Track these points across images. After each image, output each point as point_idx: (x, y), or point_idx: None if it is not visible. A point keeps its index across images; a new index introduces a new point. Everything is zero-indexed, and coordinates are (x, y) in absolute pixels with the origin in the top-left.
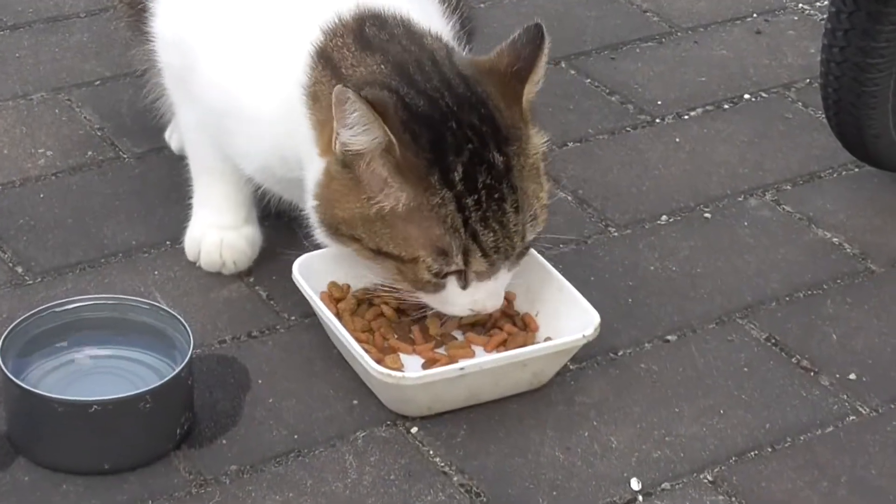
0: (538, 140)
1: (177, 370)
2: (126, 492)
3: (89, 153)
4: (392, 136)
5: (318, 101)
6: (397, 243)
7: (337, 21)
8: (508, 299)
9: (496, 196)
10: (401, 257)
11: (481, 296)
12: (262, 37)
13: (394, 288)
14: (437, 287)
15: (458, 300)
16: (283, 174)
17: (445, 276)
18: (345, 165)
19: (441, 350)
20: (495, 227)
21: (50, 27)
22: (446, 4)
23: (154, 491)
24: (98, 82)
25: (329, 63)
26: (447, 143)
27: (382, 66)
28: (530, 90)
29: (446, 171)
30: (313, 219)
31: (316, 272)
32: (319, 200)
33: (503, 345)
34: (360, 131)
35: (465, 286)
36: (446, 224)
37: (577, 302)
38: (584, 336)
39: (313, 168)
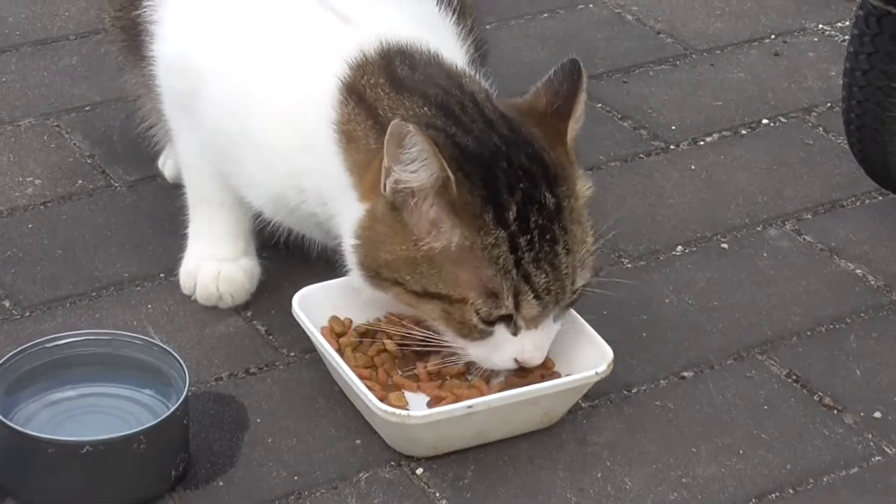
0: (584, 183)
1: (172, 409)
2: None
3: (79, 182)
4: (450, 172)
5: (354, 141)
6: (445, 283)
7: (362, 56)
8: None
9: (548, 237)
10: (449, 297)
11: (528, 346)
12: (279, 63)
13: (437, 339)
14: (484, 334)
15: (505, 348)
16: (297, 205)
17: (494, 322)
18: (393, 208)
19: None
20: (547, 269)
21: (38, 50)
22: (461, 27)
23: None
24: (88, 108)
25: (362, 102)
26: (500, 181)
27: (425, 108)
28: (573, 128)
29: (501, 210)
30: (351, 260)
31: (316, 306)
32: (361, 242)
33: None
34: (419, 167)
35: (515, 332)
36: (498, 265)
37: (590, 337)
38: (596, 373)
39: (351, 209)
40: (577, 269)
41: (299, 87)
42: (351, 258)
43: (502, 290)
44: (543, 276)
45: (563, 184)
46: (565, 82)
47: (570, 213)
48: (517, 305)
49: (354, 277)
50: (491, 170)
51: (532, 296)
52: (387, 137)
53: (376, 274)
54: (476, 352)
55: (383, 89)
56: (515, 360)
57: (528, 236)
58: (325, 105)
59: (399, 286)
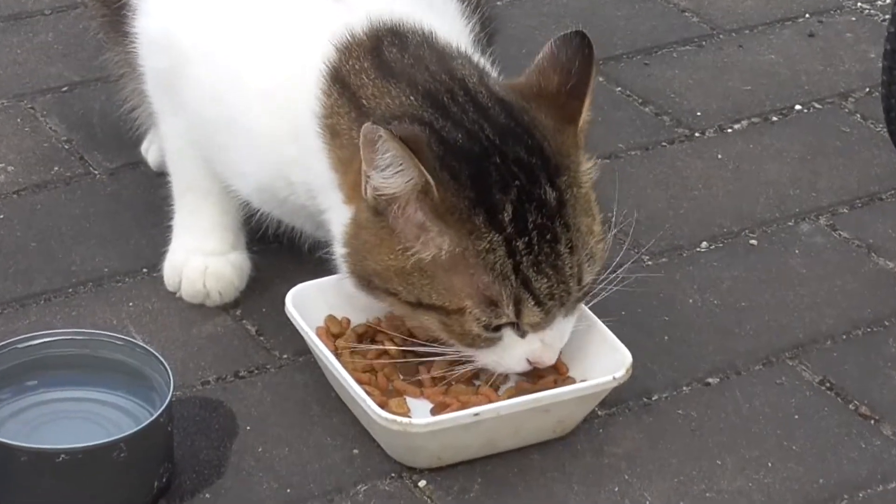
0: (588, 167)
1: (155, 415)
2: None
3: (55, 168)
4: (429, 176)
5: (338, 136)
6: (440, 293)
7: (349, 37)
8: None
9: (548, 237)
10: (445, 308)
11: (538, 346)
12: (266, 42)
13: (445, 346)
14: (489, 342)
15: (514, 351)
16: (286, 197)
17: (498, 328)
18: (377, 213)
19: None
20: (549, 273)
21: (11, 26)
22: (466, 4)
23: None
24: (65, 88)
25: (346, 90)
26: (492, 179)
27: (411, 98)
28: (587, 108)
29: (493, 212)
30: (342, 270)
31: (312, 305)
32: (349, 249)
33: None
34: (394, 173)
35: (523, 335)
36: (494, 271)
37: (607, 340)
38: (614, 378)
39: (338, 212)
40: (583, 265)
41: (286, 68)
42: (342, 267)
43: (501, 298)
44: (545, 280)
45: (566, 173)
46: (576, 58)
47: (574, 204)
48: (518, 313)
49: (349, 285)
50: (482, 167)
51: (533, 302)
52: (360, 140)
53: (368, 283)
54: (486, 358)
55: (368, 75)
56: (528, 361)
57: (527, 238)
58: (310, 92)
59: (393, 296)
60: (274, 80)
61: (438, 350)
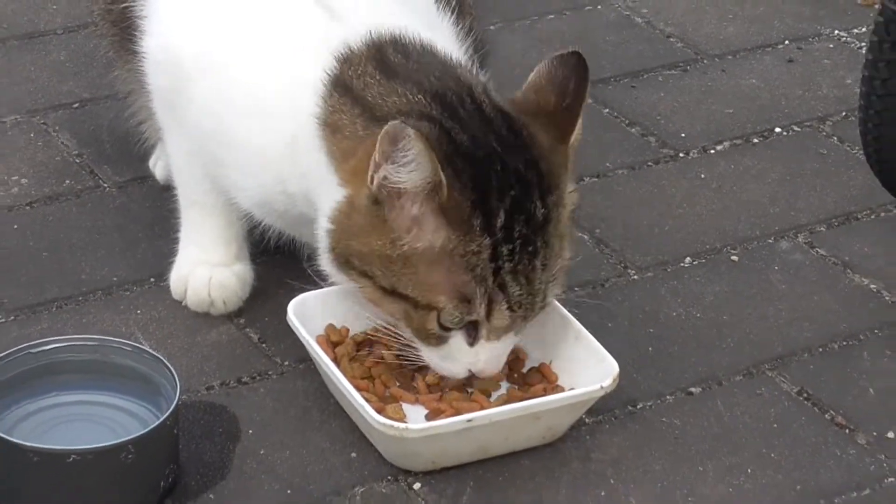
0: (571, 189)
1: (162, 418)
2: None
3: (66, 182)
4: (444, 178)
5: (338, 131)
6: (416, 286)
7: (348, 50)
8: (521, 358)
9: (530, 249)
10: (415, 301)
11: (484, 357)
12: (265, 63)
13: (394, 332)
14: (440, 340)
15: (460, 357)
16: (285, 209)
17: (450, 329)
18: (376, 202)
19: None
20: (522, 282)
21: (25, 44)
22: (460, 27)
23: None
24: (76, 104)
25: (348, 91)
26: (491, 185)
27: (419, 96)
28: (579, 127)
29: (489, 217)
30: (323, 243)
31: (312, 314)
32: (335, 227)
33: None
34: (411, 170)
35: (472, 343)
36: (475, 271)
37: (595, 351)
38: (601, 387)
39: (329, 193)
40: (549, 284)
41: (284, 88)
42: (323, 241)
43: (476, 296)
44: (518, 288)
45: (555, 192)
46: (572, 77)
47: (556, 224)
48: (489, 313)
49: (323, 260)
50: (484, 172)
51: (506, 306)
52: (381, 134)
53: (346, 262)
54: (429, 355)
55: (373, 76)
56: (469, 371)
57: (511, 246)
58: (310, 102)
59: (367, 279)
60: (272, 97)
61: (393, 338)
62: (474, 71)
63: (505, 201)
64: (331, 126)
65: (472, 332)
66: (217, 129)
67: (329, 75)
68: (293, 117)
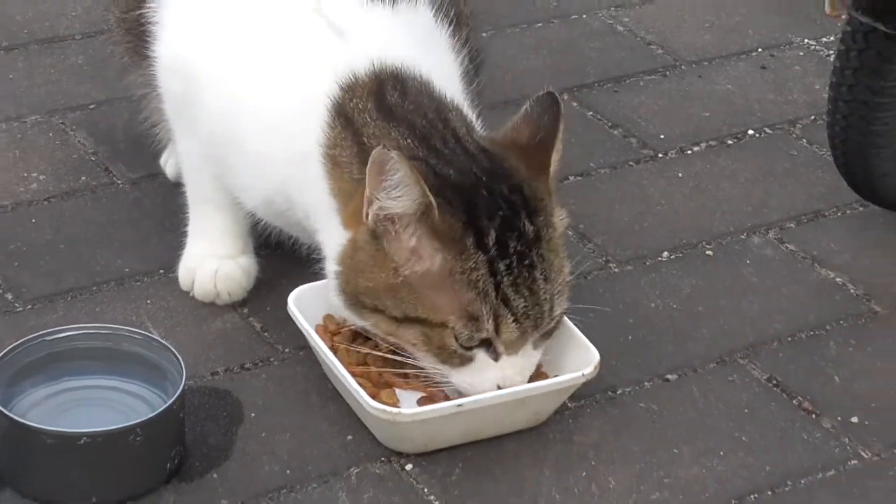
0: (560, 215)
1: (168, 403)
2: None
3: (83, 178)
4: (431, 198)
5: (339, 167)
6: (426, 307)
7: (353, 78)
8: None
9: (526, 262)
10: (429, 321)
11: (510, 372)
12: (273, 74)
13: (419, 368)
14: (464, 360)
15: (487, 374)
16: (285, 210)
17: (472, 348)
18: (374, 237)
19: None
20: (525, 294)
21: (45, 49)
22: (457, 38)
23: None
24: (93, 105)
25: (349, 126)
26: (479, 209)
27: (409, 140)
28: (555, 159)
29: (480, 235)
30: (333, 285)
31: (311, 304)
32: (342, 268)
33: None
34: (401, 193)
35: (496, 358)
36: (477, 288)
37: (577, 339)
38: (583, 374)
39: (333, 233)
40: (555, 296)
41: (291, 100)
42: (333, 284)
43: (482, 313)
44: (522, 300)
45: (542, 214)
46: (545, 114)
47: (549, 242)
48: (497, 328)
49: (336, 302)
50: (471, 198)
51: (512, 319)
52: (369, 165)
53: (357, 301)
54: (458, 379)
55: (371, 115)
56: (498, 386)
57: (508, 261)
58: (314, 124)
59: (379, 314)
60: (279, 109)
61: (418, 367)
62: (463, 110)
63: (494, 221)
64: (332, 159)
65: (492, 349)
66: (225, 135)
67: (332, 102)
68: (300, 131)
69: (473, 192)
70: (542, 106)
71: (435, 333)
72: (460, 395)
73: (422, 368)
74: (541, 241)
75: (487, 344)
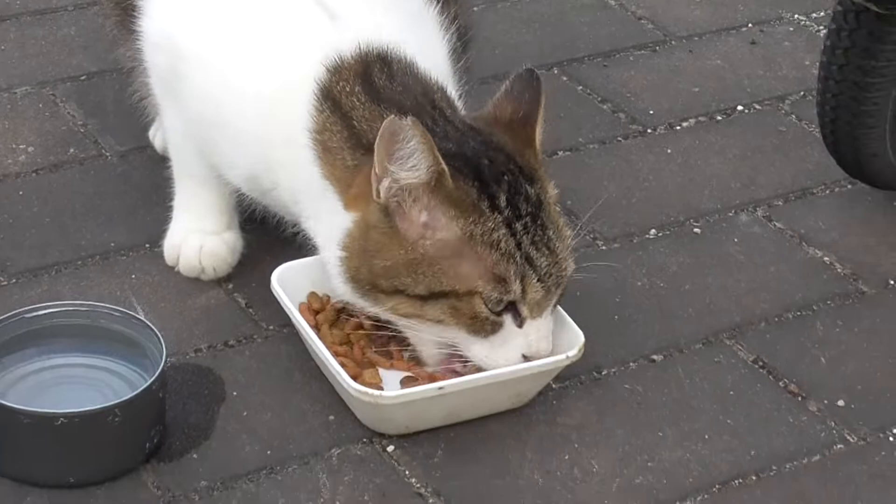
0: (551, 185)
1: (147, 383)
2: None
3: (71, 150)
4: (444, 164)
5: (330, 153)
6: (450, 278)
7: (339, 60)
8: None
9: (539, 222)
10: (456, 292)
11: (534, 336)
12: (259, 52)
13: (404, 346)
14: (495, 326)
15: (512, 343)
16: (270, 190)
17: (501, 312)
18: (387, 213)
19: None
20: (545, 252)
21: (37, 20)
22: (445, 16)
23: None
24: (84, 77)
25: (337, 109)
26: (486, 174)
27: None
28: (539, 133)
29: (493, 198)
30: (339, 274)
31: (296, 282)
32: (348, 254)
33: None
34: (415, 162)
35: (520, 324)
36: (501, 249)
37: (562, 321)
38: (567, 357)
39: (332, 220)
40: (567, 254)
41: (277, 81)
42: (338, 271)
43: (508, 273)
44: (544, 258)
45: (539, 181)
46: (526, 91)
47: (549, 207)
48: (524, 289)
49: (344, 293)
50: (475, 165)
51: (536, 279)
52: (379, 137)
53: (373, 286)
54: (479, 352)
55: (359, 98)
56: (524, 357)
57: (523, 221)
58: (300, 105)
59: (400, 294)
60: (266, 88)
61: (403, 345)
62: (447, 91)
63: (502, 185)
64: (322, 144)
65: (516, 313)
66: (210, 111)
67: (319, 85)
68: (286, 112)
69: (476, 159)
70: (523, 82)
71: (464, 303)
72: (479, 369)
73: (407, 346)
74: (543, 204)
75: (513, 308)
